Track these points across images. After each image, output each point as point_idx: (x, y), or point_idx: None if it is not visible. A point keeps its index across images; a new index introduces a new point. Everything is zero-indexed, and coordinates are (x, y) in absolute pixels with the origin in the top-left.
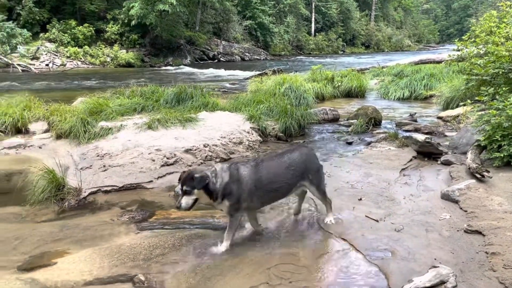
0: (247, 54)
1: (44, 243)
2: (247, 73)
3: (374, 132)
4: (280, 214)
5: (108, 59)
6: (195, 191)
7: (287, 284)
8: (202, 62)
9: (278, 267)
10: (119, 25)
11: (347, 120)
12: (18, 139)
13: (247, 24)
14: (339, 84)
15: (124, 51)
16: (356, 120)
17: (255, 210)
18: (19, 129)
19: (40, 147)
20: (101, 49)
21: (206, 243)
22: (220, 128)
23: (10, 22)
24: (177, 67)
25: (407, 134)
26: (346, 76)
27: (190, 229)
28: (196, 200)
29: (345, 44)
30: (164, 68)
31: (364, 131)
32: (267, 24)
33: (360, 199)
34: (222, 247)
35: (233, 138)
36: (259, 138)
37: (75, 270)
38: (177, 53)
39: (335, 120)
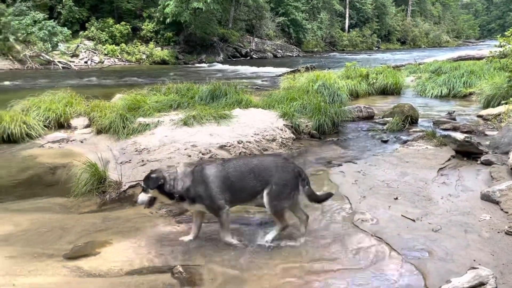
0: (279, 51)
1: (87, 233)
2: (280, 70)
3: (411, 130)
4: (314, 212)
5: (144, 57)
6: (149, 190)
7: (321, 281)
8: (234, 59)
9: (312, 264)
10: (154, 23)
11: (382, 118)
12: (61, 134)
13: (280, 21)
14: (374, 81)
15: (159, 48)
16: (391, 118)
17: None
18: (62, 124)
19: (81, 142)
20: (137, 46)
21: (240, 238)
22: (254, 125)
23: (52, 20)
24: (210, 64)
25: (445, 133)
26: (381, 73)
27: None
28: (153, 199)
29: (380, 40)
30: (197, 65)
31: (400, 129)
32: (300, 20)
33: (396, 198)
34: (226, 241)
35: (267, 135)
36: (292, 135)
37: (117, 260)
38: (210, 51)
39: (369, 117)
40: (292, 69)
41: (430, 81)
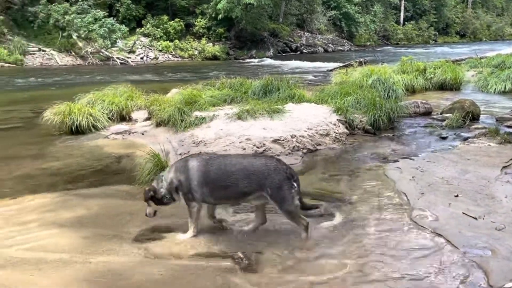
0: (330, 45)
1: (153, 219)
2: (331, 65)
3: (472, 127)
4: (370, 206)
5: (196, 52)
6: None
7: (379, 274)
8: (284, 54)
9: (370, 257)
10: (206, 19)
11: (441, 114)
12: (123, 126)
13: (332, 15)
14: (432, 76)
15: (211, 44)
16: (451, 114)
17: (211, 205)
18: (124, 117)
19: (142, 134)
20: (189, 42)
21: (295, 229)
22: (307, 120)
23: (111, 18)
24: (260, 59)
25: (510, 130)
26: (439, 68)
27: (280, 215)
28: (155, 211)
29: (437, 33)
30: (247, 60)
31: (460, 126)
32: (353, 14)
33: (457, 196)
34: (188, 234)
35: (320, 130)
36: (346, 130)
37: (181, 244)
38: (260, 46)
39: (427, 113)
40: (344, 64)
41: (493, 76)
